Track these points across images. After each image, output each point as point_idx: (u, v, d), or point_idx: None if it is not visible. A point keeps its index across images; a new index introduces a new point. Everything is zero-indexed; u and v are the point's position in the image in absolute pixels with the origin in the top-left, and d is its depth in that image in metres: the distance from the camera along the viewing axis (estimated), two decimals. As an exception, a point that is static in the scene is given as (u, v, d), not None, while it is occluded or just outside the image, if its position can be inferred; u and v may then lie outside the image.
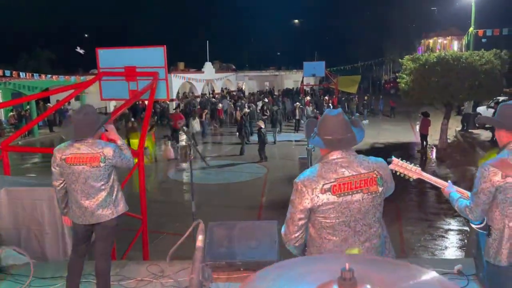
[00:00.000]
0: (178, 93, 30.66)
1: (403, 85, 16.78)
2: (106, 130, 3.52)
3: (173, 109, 25.61)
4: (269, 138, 18.78)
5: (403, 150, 17.33)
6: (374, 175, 2.20)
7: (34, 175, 12.06)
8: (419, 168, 2.69)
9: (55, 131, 23.74)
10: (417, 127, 18.29)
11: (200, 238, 2.28)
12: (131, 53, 8.34)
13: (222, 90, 38.20)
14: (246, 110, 19.12)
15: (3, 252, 4.32)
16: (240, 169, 14.21)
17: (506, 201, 2.44)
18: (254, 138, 17.64)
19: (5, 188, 4.79)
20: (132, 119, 17.60)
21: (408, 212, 9.92)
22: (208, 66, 33.91)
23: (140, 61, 8.00)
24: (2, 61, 38.32)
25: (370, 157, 2.32)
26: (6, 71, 17.96)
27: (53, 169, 3.43)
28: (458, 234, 8.55)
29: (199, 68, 34.07)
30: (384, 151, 17.27)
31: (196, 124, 18.32)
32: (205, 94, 35.97)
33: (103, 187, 3.39)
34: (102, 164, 3.33)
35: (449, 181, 2.80)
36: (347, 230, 2.17)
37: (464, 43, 21.69)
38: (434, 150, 16.72)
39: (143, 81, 7.98)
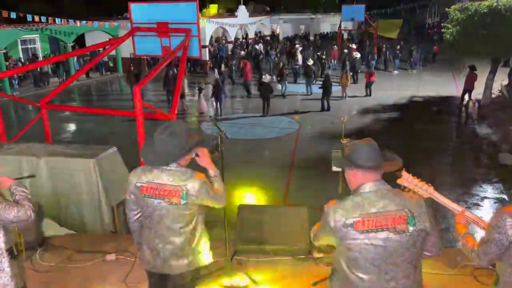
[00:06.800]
0: (211, 37, 30.11)
1: (448, 36, 15.75)
2: (197, 155, 2.76)
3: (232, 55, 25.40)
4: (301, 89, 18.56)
5: (443, 105, 16.64)
6: (404, 213, 2.09)
7: (72, 143, 12.32)
8: (431, 188, 2.42)
9: (91, 76, 24.21)
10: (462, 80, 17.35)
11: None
12: (163, 7, 8.28)
13: (255, 35, 37.22)
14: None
15: (45, 224, 4.55)
16: (271, 124, 14.11)
17: None
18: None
19: (45, 157, 4.95)
20: (132, 68, 18.64)
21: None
22: (242, 10, 32.83)
23: (172, 16, 7.96)
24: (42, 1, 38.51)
25: (406, 193, 2.20)
26: (42, 17, 18.07)
27: (127, 196, 2.75)
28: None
29: (231, 10, 33.07)
30: (423, 106, 16.62)
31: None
32: (238, 39, 35.20)
33: (182, 230, 2.66)
34: (183, 202, 2.58)
35: (464, 207, 2.55)
36: (370, 267, 2.10)
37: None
38: (476, 106, 15.94)
39: (175, 37, 7.95)
